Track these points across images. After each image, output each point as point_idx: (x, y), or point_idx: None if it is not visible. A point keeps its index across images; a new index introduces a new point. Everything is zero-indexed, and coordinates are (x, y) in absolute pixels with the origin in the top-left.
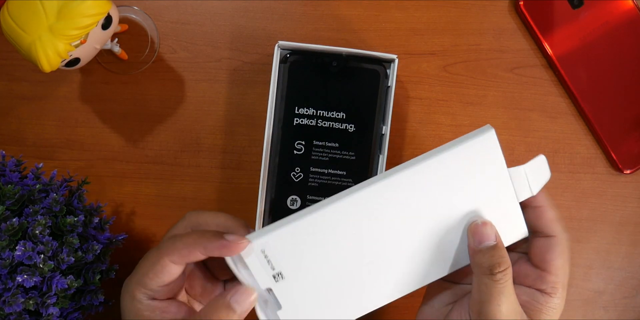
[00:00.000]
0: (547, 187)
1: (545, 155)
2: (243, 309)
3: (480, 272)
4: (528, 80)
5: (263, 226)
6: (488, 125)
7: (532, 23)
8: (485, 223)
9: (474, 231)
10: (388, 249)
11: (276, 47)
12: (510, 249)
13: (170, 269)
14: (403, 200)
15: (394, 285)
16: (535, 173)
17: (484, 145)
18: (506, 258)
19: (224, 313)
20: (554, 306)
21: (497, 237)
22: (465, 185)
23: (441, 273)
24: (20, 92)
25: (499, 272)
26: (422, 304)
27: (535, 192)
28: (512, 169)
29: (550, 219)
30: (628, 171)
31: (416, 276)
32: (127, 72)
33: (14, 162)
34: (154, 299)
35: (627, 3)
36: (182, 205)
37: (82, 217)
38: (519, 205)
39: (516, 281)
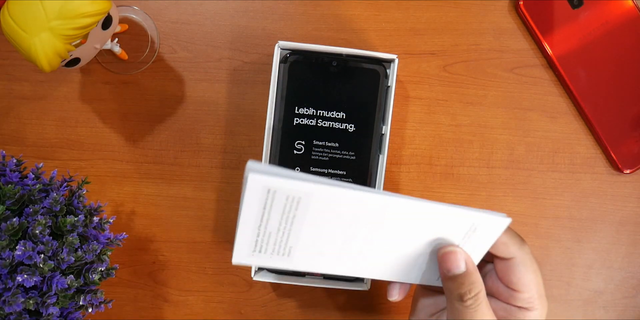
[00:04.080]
0: (546, 187)
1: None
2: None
3: (452, 297)
4: (528, 80)
5: None
6: (509, 219)
7: (532, 23)
8: (452, 252)
9: (443, 259)
10: (376, 245)
11: (276, 47)
12: (483, 261)
13: None
14: (404, 218)
15: (374, 266)
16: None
17: (492, 225)
18: (477, 284)
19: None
20: (533, 317)
21: (467, 262)
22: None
23: (414, 280)
24: (20, 92)
25: (469, 298)
26: (410, 314)
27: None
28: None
29: (502, 242)
30: (628, 171)
31: (393, 271)
32: (127, 72)
33: (14, 162)
34: None
35: (627, 3)
36: (182, 205)
37: (82, 217)
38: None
39: (493, 295)
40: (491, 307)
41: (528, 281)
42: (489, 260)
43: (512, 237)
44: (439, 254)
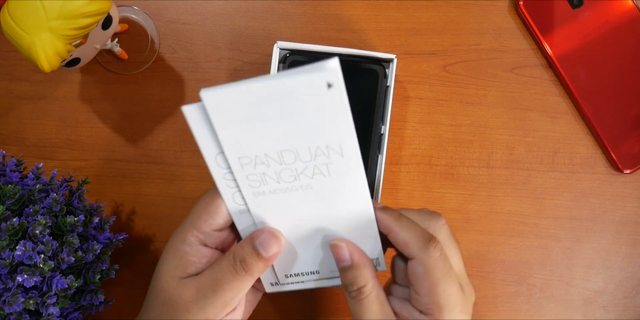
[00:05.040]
0: (546, 187)
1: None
2: (269, 254)
3: (344, 290)
4: (528, 80)
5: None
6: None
7: (532, 23)
8: (335, 245)
9: (333, 252)
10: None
11: (275, 47)
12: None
13: (223, 209)
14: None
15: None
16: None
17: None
18: (360, 277)
19: (249, 253)
20: None
21: (353, 256)
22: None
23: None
24: (20, 92)
25: (353, 291)
26: None
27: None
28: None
29: (402, 242)
30: (628, 171)
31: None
32: (127, 72)
33: (14, 162)
34: (204, 245)
35: (627, 3)
36: (182, 205)
37: (82, 217)
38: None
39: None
40: (398, 306)
41: (427, 285)
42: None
43: (415, 234)
44: (330, 247)
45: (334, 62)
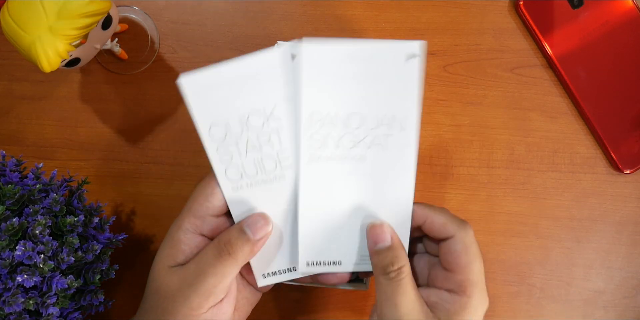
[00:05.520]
0: (546, 187)
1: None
2: (257, 236)
3: (377, 272)
4: (528, 80)
5: None
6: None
7: (532, 23)
8: (380, 225)
9: (370, 233)
10: None
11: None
12: (433, 254)
13: (219, 191)
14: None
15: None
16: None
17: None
18: (401, 257)
19: (235, 235)
20: (464, 305)
21: (393, 237)
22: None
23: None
24: (20, 92)
25: (392, 271)
26: None
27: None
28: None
29: (441, 223)
30: (628, 171)
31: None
32: (127, 72)
33: (14, 162)
34: (200, 233)
35: (627, 3)
36: (182, 205)
37: (82, 217)
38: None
39: (430, 284)
40: (426, 293)
41: (464, 262)
42: (433, 254)
43: (451, 218)
44: (368, 229)
45: (419, 42)
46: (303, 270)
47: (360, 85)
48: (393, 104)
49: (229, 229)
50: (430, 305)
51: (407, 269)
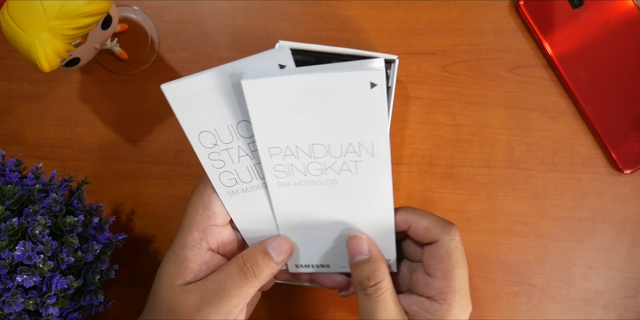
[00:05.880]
0: (546, 187)
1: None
2: (280, 258)
3: (356, 287)
4: (528, 80)
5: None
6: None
7: (532, 23)
8: (358, 236)
9: (349, 245)
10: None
11: (277, 47)
12: (413, 259)
13: (217, 196)
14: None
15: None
16: None
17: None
18: (378, 272)
19: (261, 257)
20: (445, 314)
21: (372, 249)
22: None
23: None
24: (20, 92)
25: (369, 286)
26: None
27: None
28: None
29: (425, 228)
30: (628, 171)
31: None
32: (127, 72)
33: (13, 162)
34: (206, 247)
35: (627, 3)
36: (182, 205)
37: (82, 217)
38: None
39: (412, 290)
40: (406, 301)
41: (446, 268)
42: (414, 260)
43: (435, 221)
44: (347, 240)
45: (379, 63)
46: (293, 270)
47: (318, 117)
48: (357, 131)
49: (253, 251)
50: (411, 315)
51: (385, 284)
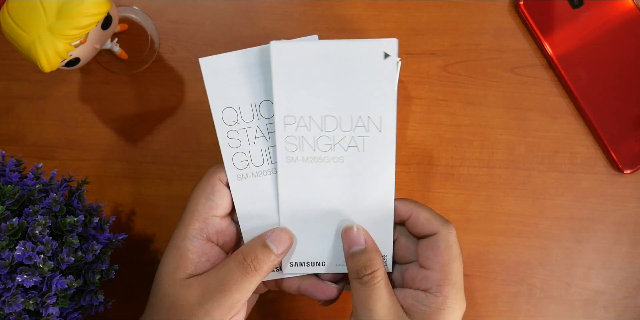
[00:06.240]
0: (546, 187)
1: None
2: (280, 250)
3: (351, 276)
4: (528, 80)
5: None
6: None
7: (532, 23)
8: (354, 228)
9: (345, 236)
10: None
11: None
12: (403, 261)
13: (220, 188)
14: None
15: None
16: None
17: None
18: (374, 261)
19: (260, 250)
20: (441, 306)
21: (367, 240)
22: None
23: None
24: (20, 92)
25: (365, 275)
26: None
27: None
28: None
29: (426, 218)
30: (628, 171)
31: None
32: (127, 72)
33: (13, 162)
34: (206, 238)
35: (627, 3)
36: (182, 205)
37: (82, 217)
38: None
39: (405, 285)
40: (401, 295)
41: (445, 260)
42: (405, 262)
43: (436, 215)
44: (342, 232)
45: (393, 39)
46: (288, 271)
47: (334, 87)
48: (368, 105)
49: (251, 245)
50: (406, 308)
51: (380, 273)
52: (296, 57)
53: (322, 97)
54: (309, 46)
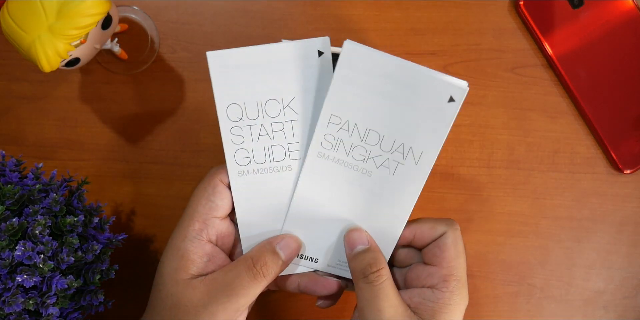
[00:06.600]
0: (546, 187)
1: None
2: (288, 257)
3: (357, 277)
4: (528, 80)
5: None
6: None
7: (532, 23)
8: (358, 229)
9: (348, 237)
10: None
11: None
12: (404, 265)
13: (221, 189)
14: None
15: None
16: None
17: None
18: (379, 260)
19: (270, 257)
20: (448, 302)
21: (371, 241)
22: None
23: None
24: (20, 92)
25: (371, 273)
26: None
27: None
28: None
29: (429, 227)
30: (628, 171)
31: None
32: (127, 72)
33: (13, 162)
34: (206, 239)
35: (627, 3)
36: (182, 205)
37: (82, 217)
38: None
39: (410, 285)
40: (407, 295)
41: (452, 255)
42: (404, 266)
43: (437, 220)
44: (345, 234)
45: (465, 83)
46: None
47: (390, 106)
48: (415, 137)
49: (261, 251)
50: (413, 307)
51: (386, 272)
52: (364, 63)
53: (375, 111)
54: (381, 57)
